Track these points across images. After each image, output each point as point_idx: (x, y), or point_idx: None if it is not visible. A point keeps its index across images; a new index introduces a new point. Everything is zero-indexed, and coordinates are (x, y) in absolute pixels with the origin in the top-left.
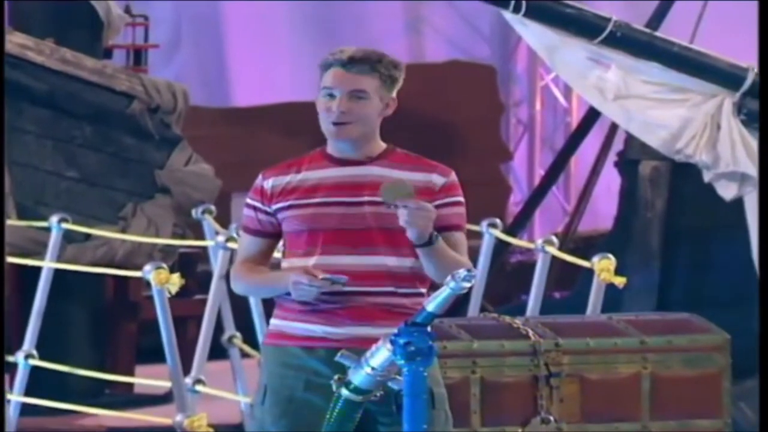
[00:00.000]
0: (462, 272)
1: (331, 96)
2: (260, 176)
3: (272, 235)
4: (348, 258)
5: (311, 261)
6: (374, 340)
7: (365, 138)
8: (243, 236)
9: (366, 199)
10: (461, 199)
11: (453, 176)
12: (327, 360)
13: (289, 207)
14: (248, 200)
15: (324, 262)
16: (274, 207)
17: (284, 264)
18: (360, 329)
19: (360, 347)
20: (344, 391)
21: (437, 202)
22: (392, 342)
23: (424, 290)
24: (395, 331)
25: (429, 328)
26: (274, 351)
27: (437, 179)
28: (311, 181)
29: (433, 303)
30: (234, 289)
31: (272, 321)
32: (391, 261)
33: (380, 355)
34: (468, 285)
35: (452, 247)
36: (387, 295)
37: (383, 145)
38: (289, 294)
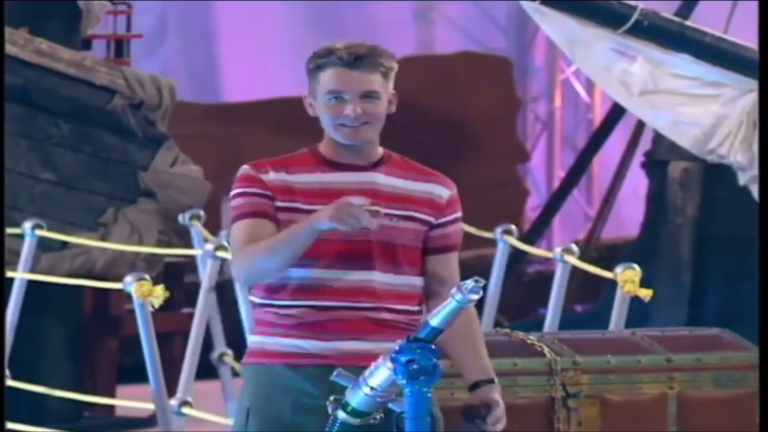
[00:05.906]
0: (469, 283)
1: (339, 99)
2: (250, 168)
3: (276, 221)
4: (346, 273)
5: (312, 273)
6: (368, 356)
7: (375, 140)
8: (242, 223)
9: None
10: (461, 213)
11: (455, 189)
12: (316, 379)
13: (295, 210)
14: (244, 189)
15: (325, 276)
16: (278, 204)
17: None
18: (351, 344)
19: (353, 364)
20: (341, 414)
21: (443, 219)
22: (393, 360)
23: (423, 308)
24: (395, 347)
25: (433, 345)
26: (257, 371)
27: (442, 192)
28: (312, 185)
29: (437, 317)
30: (242, 275)
31: (252, 338)
32: (386, 278)
33: (380, 373)
34: (475, 297)
35: (450, 269)
36: (378, 310)
37: (380, 150)
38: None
